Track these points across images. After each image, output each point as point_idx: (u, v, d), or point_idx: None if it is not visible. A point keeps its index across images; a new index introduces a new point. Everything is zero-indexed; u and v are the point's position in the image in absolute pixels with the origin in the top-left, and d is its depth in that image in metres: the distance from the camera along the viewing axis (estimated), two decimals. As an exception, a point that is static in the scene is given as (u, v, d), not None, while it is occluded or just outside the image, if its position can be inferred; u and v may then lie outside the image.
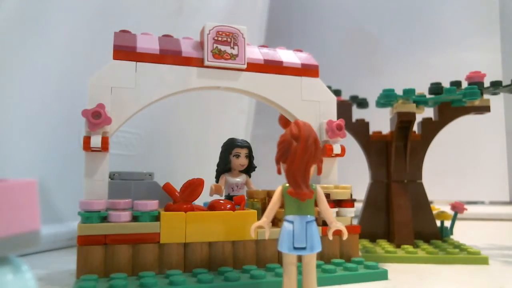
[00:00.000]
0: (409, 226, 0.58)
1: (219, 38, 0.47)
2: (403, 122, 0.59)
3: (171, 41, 0.47)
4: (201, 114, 0.84)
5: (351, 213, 0.48)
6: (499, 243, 0.67)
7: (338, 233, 0.47)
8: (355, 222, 0.50)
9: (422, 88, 0.62)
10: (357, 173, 0.69)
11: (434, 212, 0.62)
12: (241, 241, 0.43)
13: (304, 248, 0.33)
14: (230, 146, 0.52)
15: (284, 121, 0.54)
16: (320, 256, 0.46)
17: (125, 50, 0.44)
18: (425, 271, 0.48)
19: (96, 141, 0.40)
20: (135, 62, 0.44)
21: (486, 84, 0.61)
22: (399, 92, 0.57)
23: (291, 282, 0.34)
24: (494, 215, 1.04)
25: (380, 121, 0.69)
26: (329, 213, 0.36)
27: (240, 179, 0.53)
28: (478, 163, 1.25)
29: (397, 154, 0.61)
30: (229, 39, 0.47)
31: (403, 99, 0.58)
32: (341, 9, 1.36)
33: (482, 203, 1.28)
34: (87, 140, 0.40)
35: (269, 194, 0.49)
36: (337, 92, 0.66)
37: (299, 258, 0.34)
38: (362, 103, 0.70)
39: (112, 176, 0.50)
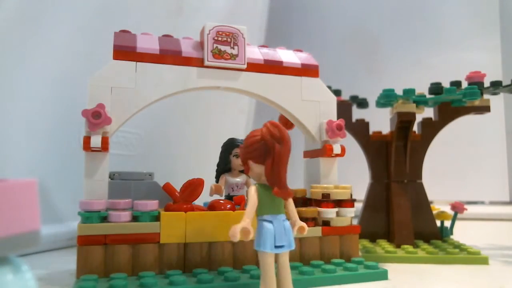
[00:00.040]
0: (409, 226, 0.58)
1: (219, 38, 0.47)
2: (403, 122, 0.59)
3: (171, 41, 0.47)
4: (201, 114, 0.84)
5: (351, 213, 0.48)
6: (499, 243, 0.67)
7: (338, 233, 0.47)
8: (355, 222, 0.50)
9: (422, 88, 0.62)
10: (357, 173, 0.69)
11: (434, 212, 0.62)
12: (241, 241, 0.43)
13: (283, 246, 0.34)
14: (230, 146, 0.53)
15: (284, 121, 0.54)
16: (320, 256, 0.46)
17: (125, 50, 0.44)
18: (425, 271, 0.48)
19: (96, 141, 0.40)
20: (135, 62, 0.44)
21: (486, 84, 0.61)
22: (399, 92, 0.57)
23: (273, 282, 0.34)
24: (494, 215, 1.04)
25: (380, 121, 0.69)
26: (296, 212, 0.37)
27: (240, 179, 0.53)
28: (478, 163, 1.25)
29: (397, 154, 0.61)
30: (229, 39, 0.47)
31: (403, 99, 0.58)
32: (341, 9, 1.37)
33: (482, 203, 1.28)
34: (87, 140, 0.40)
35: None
36: (337, 92, 0.66)
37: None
38: (362, 103, 0.70)
39: (112, 176, 0.50)
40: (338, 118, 0.51)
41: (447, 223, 0.63)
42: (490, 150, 1.26)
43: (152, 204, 0.41)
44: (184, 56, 0.46)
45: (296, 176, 0.52)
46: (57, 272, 0.46)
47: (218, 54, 0.46)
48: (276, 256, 0.34)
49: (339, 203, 0.47)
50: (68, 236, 0.59)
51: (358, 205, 0.56)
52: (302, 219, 0.38)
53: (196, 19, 0.75)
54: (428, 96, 0.61)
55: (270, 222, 0.34)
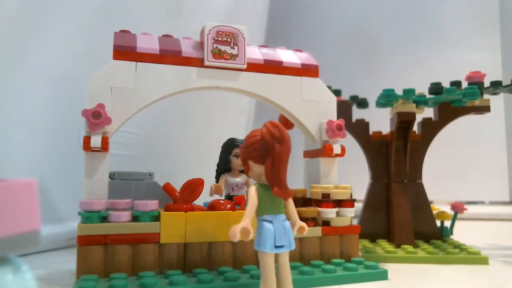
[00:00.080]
0: (409, 226, 0.58)
1: (219, 38, 0.47)
2: (403, 122, 0.59)
3: (171, 41, 0.47)
4: (201, 114, 0.84)
5: (351, 213, 0.48)
6: (499, 243, 0.67)
7: (338, 233, 0.47)
8: (355, 222, 0.50)
9: (422, 88, 0.62)
10: (357, 173, 0.69)
11: (434, 212, 0.62)
12: (241, 241, 0.43)
13: (283, 246, 0.34)
14: (230, 146, 0.53)
15: (284, 121, 0.54)
16: (320, 256, 0.46)
17: (125, 50, 0.44)
18: (425, 271, 0.48)
19: (96, 141, 0.40)
20: (135, 62, 0.44)
21: (486, 84, 0.61)
22: (399, 92, 0.57)
23: (273, 282, 0.34)
24: (494, 215, 1.04)
25: (380, 121, 0.69)
26: (296, 212, 0.37)
27: (240, 179, 0.53)
28: (478, 163, 1.25)
29: (397, 154, 0.61)
30: (229, 39, 0.47)
31: (403, 99, 0.58)
32: (341, 9, 1.37)
33: (482, 203, 1.28)
34: (87, 140, 0.40)
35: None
36: (337, 92, 0.66)
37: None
38: (362, 103, 0.70)
39: (112, 176, 0.50)
40: (338, 118, 0.51)
41: (447, 223, 0.63)
42: (490, 150, 1.26)
43: (152, 204, 0.41)
44: (184, 56, 0.46)
45: (296, 176, 0.52)
46: (57, 272, 0.46)
47: (218, 54, 0.46)
48: (276, 256, 0.34)
49: (339, 203, 0.47)
50: (68, 236, 0.59)
51: (358, 205, 0.56)
52: (302, 219, 0.38)
53: (196, 19, 0.75)
54: (428, 96, 0.61)
55: (270, 222, 0.34)
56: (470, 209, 0.70)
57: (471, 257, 0.52)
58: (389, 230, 0.61)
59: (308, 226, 0.37)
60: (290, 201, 0.36)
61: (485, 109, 0.61)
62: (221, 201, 0.45)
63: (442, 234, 0.62)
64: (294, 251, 0.39)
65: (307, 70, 0.51)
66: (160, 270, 0.41)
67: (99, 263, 0.39)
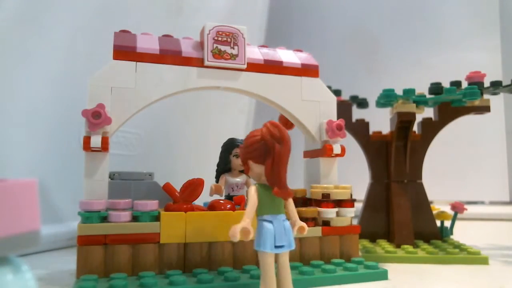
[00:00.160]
0: (409, 226, 0.58)
1: (219, 38, 0.47)
2: (403, 122, 0.59)
3: (171, 41, 0.47)
4: (201, 114, 0.84)
5: (351, 213, 0.48)
6: (499, 243, 0.67)
7: (338, 233, 0.47)
8: (355, 222, 0.50)
9: (422, 88, 0.62)
10: (357, 173, 0.69)
11: (434, 212, 0.62)
12: (241, 241, 0.43)
13: (283, 246, 0.34)
14: (230, 146, 0.53)
15: (284, 121, 0.54)
16: (320, 256, 0.46)
17: (125, 50, 0.44)
18: (425, 271, 0.48)
19: (96, 141, 0.40)
20: (135, 62, 0.44)
21: (486, 84, 0.61)
22: (399, 92, 0.57)
23: (273, 282, 0.34)
24: (494, 215, 1.04)
25: (380, 121, 0.69)
26: (296, 212, 0.37)
27: (240, 179, 0.53)
28: (478, 163, 1.25)
29: (397, 154, 0.61)
30: (229, 39, 0.47)
31: (403, 99, 0.58)
32: (341, 9, 1.37)
33: (482, 203, 1.28)
34: (87, 140, 0.40)
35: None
36: (337, 92, 0.66)
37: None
38: (362, 103, 0.70)
39: (112, 176, 0.50)
40: (338, 118, 0.51)
41: (447, 223, 0.63)
42: (490, 150, 1.26)
43: (152, 204, 0.41)
44: (184, 56, 0.46)
45: (296, 176, 0.52)
46: (57, 272, 0.46)
47: (218, 54, 0.46)
48: (276, 256, 0.34)
49: (339, 203, 0.47)
50: (68, 236, 0.59)
51: (358, 205, 0.56)
52: (302, 219, 0.38)
53: (196, 19, 0.75)
54: (428, 96, 0.61)
55: (270, 222, 0.34)
56: (470, 209, 0.70)
57: (471, 257, 0.52)
58: (389, 230, 0.61)
59: (308, 226, 0.37)
60: (290, 201, 0.36)
61: (485, 109, 0.61)
62: (221, 201, 0.45)
63: (442, 234, 0.62)
64: (294, 251, 0.39)
65: (307, 70, 0.51)
66: (160, 270, 0.41)
67: (99, 263, 0.39)
